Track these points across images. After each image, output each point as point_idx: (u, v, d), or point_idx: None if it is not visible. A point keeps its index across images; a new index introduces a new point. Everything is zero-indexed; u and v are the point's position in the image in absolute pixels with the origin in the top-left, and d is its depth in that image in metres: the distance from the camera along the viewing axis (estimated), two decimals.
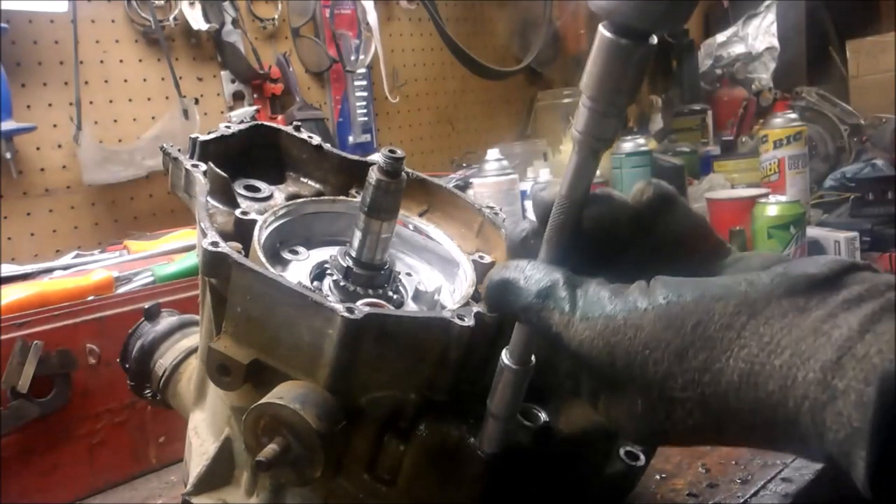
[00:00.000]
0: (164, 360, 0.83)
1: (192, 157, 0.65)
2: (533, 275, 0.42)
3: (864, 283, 0.36)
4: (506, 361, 0.48)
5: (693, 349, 0.36)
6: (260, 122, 0.71)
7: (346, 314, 0.48)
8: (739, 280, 0.38)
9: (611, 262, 0.45)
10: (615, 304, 0.39)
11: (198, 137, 0.66)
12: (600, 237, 0.45)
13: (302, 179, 0.71)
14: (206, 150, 0.66)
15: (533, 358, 0.48)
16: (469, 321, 0.50)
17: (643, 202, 0.46)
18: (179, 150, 0.67)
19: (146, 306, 0.88)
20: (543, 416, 0.54)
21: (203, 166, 0.63)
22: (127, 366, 0.87)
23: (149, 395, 0.85)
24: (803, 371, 0.33)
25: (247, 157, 0.69)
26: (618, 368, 0.39)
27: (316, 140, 0.71)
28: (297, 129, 0.71)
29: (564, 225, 0.43)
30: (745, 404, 0.35)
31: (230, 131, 0.68)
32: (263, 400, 0.49)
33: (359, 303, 0.57)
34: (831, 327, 0.34)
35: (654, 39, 0.38)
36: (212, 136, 0.66)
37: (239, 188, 0.66)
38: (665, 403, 0.38)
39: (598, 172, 1.59)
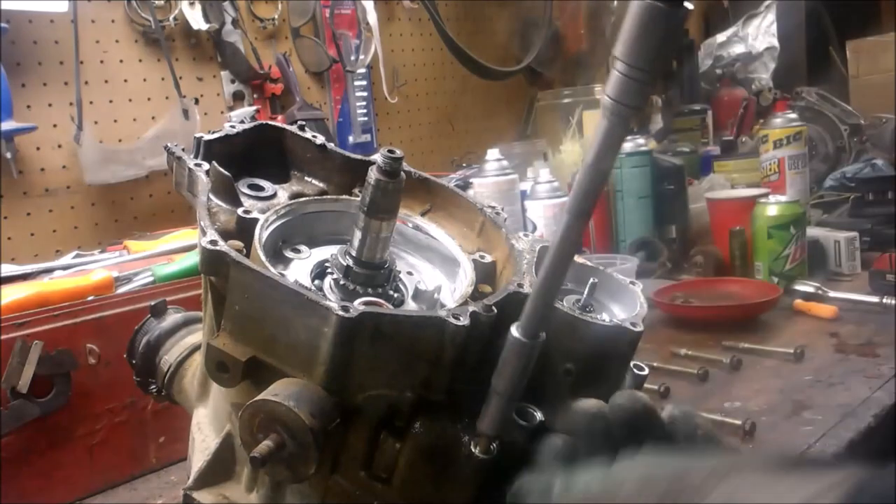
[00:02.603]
0: (169, 357, 0.83)
1: (196, 157, 0.65)
2: (538, 481, 0.47)
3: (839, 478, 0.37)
4: (515, 334, 0.48)
5: (668, 498, 0.39)
6: (264, 122, 0.71)
7: (341, 313, 0.48)
8: (712, 457, 0.42)
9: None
10: (601, 476, 0.43)
11: (202, 137, 0.66)
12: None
13: (306, 178, 0.71)
14: (210, 150, 0.66)
15: (543, 334, 0.48)
16: (464, 320, 0.50)
17: (671, 423, 0.50)
18: (183, 150, 0.68)
19: (153, 303, 0.89)
20: (539, 415, 0.54)
21: (206, 165, 0.64)
22: (133, 361, 0.87)
23: (154, 390, 0.85)
24: None
25: (251, 157, 0.69)
26: None
27: (320, 139, 0.71)
28: (302, 128, 0.71)
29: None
30: None
31: (234, 130, 0.68)
32: (259, 397, 0.49)
33: (357, 301, 0.57)
34: (791, 495, 0.36)
35: (690, 5, 0.39)
36: (216, 135, 0.66)
37: (242, 187, 0.66)
38: None
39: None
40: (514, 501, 0.48)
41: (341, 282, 0.59)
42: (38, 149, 1.69)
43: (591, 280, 0.67)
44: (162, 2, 1.87)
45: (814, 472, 0.37)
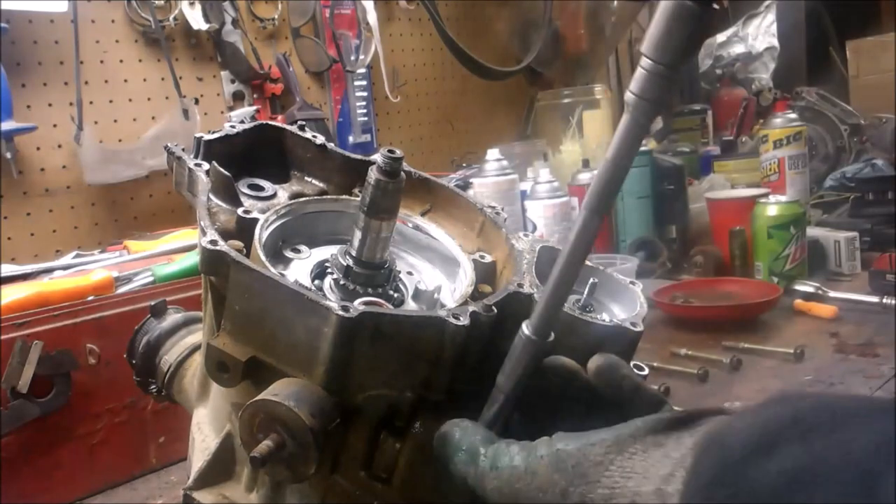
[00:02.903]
0: (169, 357, 0.83)
1: (196, 157, 0.65)
2: (464, 435, 0.49)
3: (713, 420, 0.43)
4: (525, 332, 0.48)
5: (573, 486, 0.43)
6: (265, 122, 0.71)
7: (341, 313, 0.48)
8: (615, 428, 0.45)
9: (552, 416, 0.51)
10: (521, 456, 0.46)
11: (202, 137, 0.66)
12: (550, 399, 0.52)
13: (306, 178, 0.71)
14: (210, 150, 0.66)
15: (552, 335, 0.48)
16: (464, 320, 0.50)
17: (594, 375, 0.52)
18: (183, 150, 0.67)
19: (153, 303, 0.89)
20: None
21: (206, 165, 0.64)
22: (133, 361, 0.87)
23: (154, 390, 0.85)
24: (646, 486, 0.40)
25: (251, 157, 0.69)
26: None
27: (320, 139, 0.71)
28: (302, 128, 0.71)
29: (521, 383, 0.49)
30: None
31: (235, 130, 0.68)
32: (259, 397, 0.49)
33: (357, 301, 0.57)
34: (675, 451, 0.41)
35: (717, 5, 0.39)
36: (216, 135, 0.66)
37: (243, 187, 0.65)
38: None
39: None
40: (440, 445, 0.50)
41: (341, 282, 0.59)
42: (38, 149, 1.69)
43: (591, 280, 0.67)
44: (162, 2, 1.87)
45: (694, 427, 0.42)
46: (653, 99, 0.41)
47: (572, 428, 0.47)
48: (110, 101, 1.83)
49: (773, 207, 1.69)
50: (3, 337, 0.99)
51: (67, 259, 1.42)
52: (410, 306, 0.62)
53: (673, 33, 0.40)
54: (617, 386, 0.51)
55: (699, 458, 0.39)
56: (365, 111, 2.38)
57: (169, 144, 0.69)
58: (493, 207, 0.71)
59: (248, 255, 0.56)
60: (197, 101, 1.92)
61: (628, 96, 0.42)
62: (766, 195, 1.77)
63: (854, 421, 0.35)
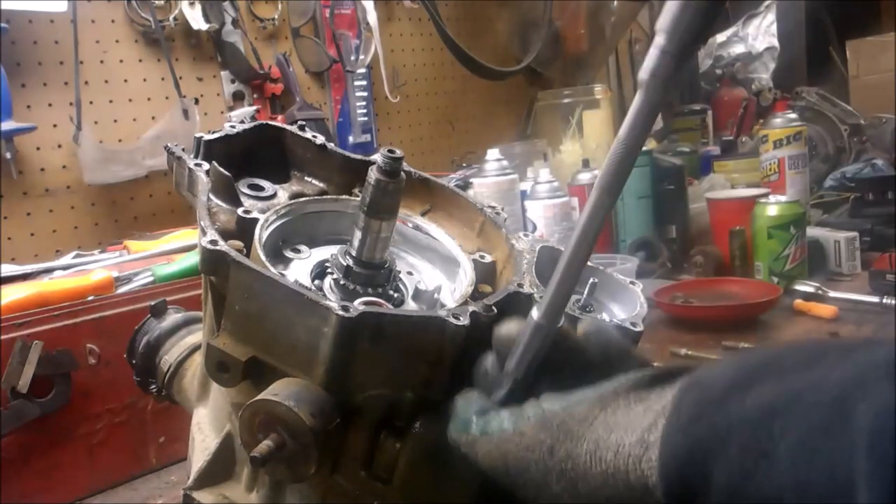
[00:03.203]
0: (169, 357, 0.83)
1: (196, 157, 0.65)
2: (464, 405, 0.50)
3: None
4: (534, 317, 0.48)
5: (559, 443, 0.44)
6: (265, 122, 0.71)
7: (341, 312, 0.48)
8: (600, 385, 0.46)
9: (540, 380, 0.51)
10: (509, 419, 0.47)
11: (202, 136, 0.66)
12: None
13: (306, 178, 0.71)
14: (210, 150, 0.66)
15: (562, 320, 0.48)
16: (464, 320, 0.50)
17: (583, 338, 0.52)
18: (183, 150, 0.68)
19: (153, 303, 0.89)
20: None
21: (206, 165, 0.64)
22: (133, 361, 0.87)
23: (154, 390, 0.85)
24: (629, 437, 0.42)
25: (251, 157, 0.69)
26: (511, 473, 0.46)
27: (320, 139, 0.71)
28: (302, 128, 0.71)
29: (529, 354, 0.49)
30: (596, 479, 0.42)
31: (235, 130, 0.68)
32: (259, 397, 0.49)
33: (357, 301, 0.57)
34: (656, 403, 0.42)
35: None
36: (216, 135, 0.66)
37: (243, 187, 0.66)
38: (554, 498, 0.44)
39: (598, 172, 1.59)
40: (450, 419, 0.50)
41: (341, 282, 0.59)
42: (38, 149, 1.69)
43: (591, 280, 0.67)
44: (162, 2, 1.87)
45: (675, 381, 0.43)
46: (665, 78, 0.41)
47: (561, 391, 0.47)
48: (110, 101, 1.83)
49: (773, 207, 1.69)
50: (3, 337, 0.99)
51: (67, 259, 1.42)
52: (410, 306, 0.62)
53: (688, 12, 0.40)
54: (605, 348, 0.51)
55: (679, 400, 0.40)
56: (365, 111, 2.38)
57: (169, 144, 0.69)
58: (493, 207, 0.71)
59: (248, 255, 0.56)
60: (197, 101, 1.92)
61: (641, 76, 0.42)
62: (766, 195, 1.77)
63: (827, 358, 0.37)
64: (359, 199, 0.60)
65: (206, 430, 0.69)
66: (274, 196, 0.67)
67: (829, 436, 0.33)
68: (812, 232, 1.83)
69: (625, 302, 0.68)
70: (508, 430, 0.47)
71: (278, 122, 0.72)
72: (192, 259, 1.28)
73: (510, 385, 0.50)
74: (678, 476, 0.39)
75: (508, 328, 0.51)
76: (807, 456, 0.34)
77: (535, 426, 0.46)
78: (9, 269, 1.30)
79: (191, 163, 0.64)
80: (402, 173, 0.58)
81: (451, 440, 0.50)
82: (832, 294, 1.60)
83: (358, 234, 0.59)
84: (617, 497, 0.41)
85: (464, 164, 2.25)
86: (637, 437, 0.41)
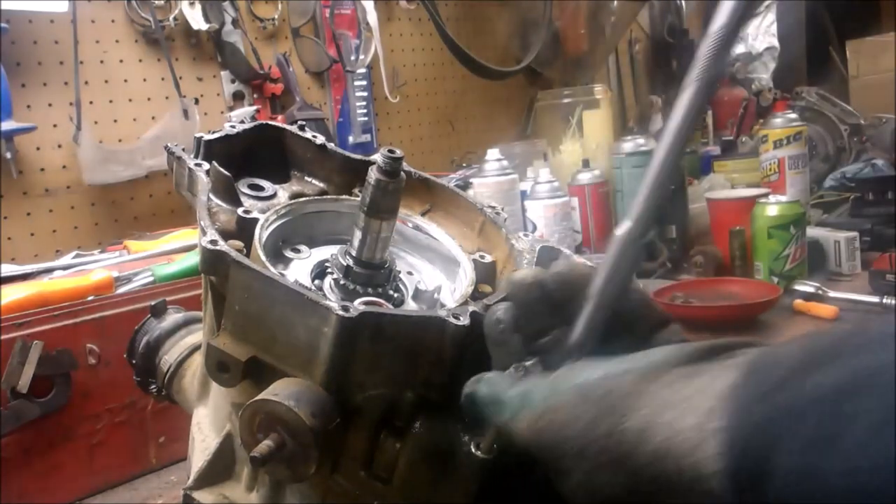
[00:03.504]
0: (169, 357, 0.83)
1: (196, 157, 0.65)
2: (489, 386, 0.48)
3: (749, 352, 0.41)
4: (622, 231, 0.46)
5: (600, 417, 0.41)
6: (265, 122, 0.71)
7: (341, 312, 0.48)
8: (643, 355, 0.43)
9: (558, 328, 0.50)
10: (543, 391, 0.45)
11: (202, 136, 0.66)
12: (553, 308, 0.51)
13: (306, 178, 0.71)
14: (210, 150, 0.66)
15: (651, 234, 0.48)
16: (464, 320, 0.50)
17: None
18: (184, 150, 0.68)
19: (153, 303, 0.89)
20: None
21: (206, 165, 0.64)
22: (133, 361, 0.87)
23: (154, 390, 0.85)
24: (685, 419, 0.38)
25: (251, 156, 0.69)
26: (547, 448, 0.43)
27: (320, 139, 0.71)
28: (302, 128, 0.71)
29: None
30: (643, 458, 0.39)
31: (235, 130, 0.68)
32: (259, 396, 0.49)
33: (357, 301, 0.57)
34: (713, 384, 0.39)
35: None
36: (216, 135, 0.67)
37: (243, 187, 0.66)
38: (591, 473, 0.41)
39: (598, 172, 1.58)
40: (468, 406, 0.49)
41: (341, 282, 0.59)
42: (38, 149, 1.69)
43: None
44: (162, 2, 1.87)
45: (729, 357, 0.41)
46: (718, 70, 0.43)
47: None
48: (110, 101, 1.83)
49: (773, 207, 1.69)
50: (3, 337, 0.99)
51: (67, 259, 1.42)
52: (410, 306, 0.62)
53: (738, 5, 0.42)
54: (625, 298, 0.49)
55: (745, 379, 0.37)
56: (365, 111, 2.38)
57: (169, 144, 0.69)
58: (493, 207, 0.71)
59: (248, 255, 0.56)
60: (197, 101, 1.92)
61: (690, 77, 0.43)
62: (766, 195, 1.77)
63: (891, 340, 0.34)
64: (359, 199, 0.61)
65: (206, 430, 0.69)
66: (274, 196, 0.67)
67: None
68: (812, 232, 1.83)
69: None
70: (542, 405, 0.44)
71: (278, 122, 0.72)
72: (192, 259, 1.28)
73: (591, 310, 0.47)
74: (743, 462, 0.36)
75: (523, 273, 0.49)
76: (884, 439, 0.31)
77: (574, 398, 0.43)
78: (9, 269, 1.30)
79: (191, 163, 0.64)
80: (402, 173, 0.58)
81: (490, 426, 0.48)
82: (832, 294, 1.60)
83: (358, 234, 0.59)
84: (663, 479, 0.38)
85: (464, 164, 2.25)
86: (694, 421, 0.38)
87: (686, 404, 0.39)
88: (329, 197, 0.69)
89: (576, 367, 0.45)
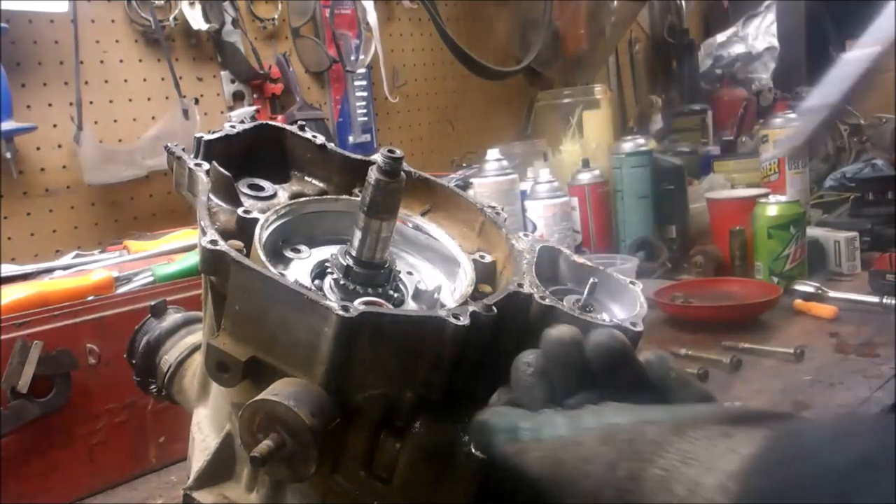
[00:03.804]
0: (169, 356, 0.83)
1: (196, 157, 0.65)
2: (502, 417, 0.49)
3: (779, 425, 0.41)
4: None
5: (623, 460, 0.41)
6: (265, 122, 0.71)
7: (341, 312, 0.48)
8: (673, 408, 0.44)
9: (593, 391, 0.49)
10: (567, 425, 0.45)
11: (202, 136, 0.66)
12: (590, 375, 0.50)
13: (306, 178, 0.71)
14: (210, 150, 0.66)
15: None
16: (464, 320, 0.50)
17: (647, 365, 0.51)
18: (184, 150, 0.68)
19: (153, 303, 0.89)
20: None
21: (206, 165, 0.64)
22: (133, 361, 0.87)
23: (154, 390, 0.85)
24: (709, 478, 0.38)
25: (251, 157, 0.69)
26: (562, 480, 0.43)
27: (320, 139, 0.71)
28: (302, 128, 0.71)
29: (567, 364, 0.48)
30: None
31: (235, 130, 0.68)
32: (259, 396, 0.49)
33: (357, 301, 0.57)
34: (744, 447, 0.38)
35: None
36: (216, 135, 0.67)
37: (243, 187, 0.66)
38: None
39: (598, 172, 1.59)
40: (478, 434, 0.49)
41: (341, 282, 0.59)
42: (38, 149, 1.69)
43: (591, 280, 0.67)
44: (162, 2, 1.87)
45: (762, 424, 0.40)
46: None
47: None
48: (110, 101, 1.82)
49: (773, 207, 1.69)
50: (3, 337, 0.99)
51: (67, 259, 1.42)
52: (410, 306, 0.62)
53: None
54: (664, 378, 0.49)
55: (772, 442, 0.37)
56: (365, 111, 2.38)
57: (169, 144, 0.69)
58: (493, 207, 0.71)
59: (248, 255, 0.56)
60: (197, 101, 1.92)
61: None
62: (766, 195, 1.77)
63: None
64: (359, 199, 0.61)
65: (206, 430, 0.69)
66: (274, 196, 0.67)
67: None
68: (812, 232, 1.83)
69: (625, 302, 0.68)
70: (566, 436, 0.44)
71: (278, 122, 0.72)
72: (192, 259, 1.28)
73: (817, 119, 0.46)
74: None
75: (560, 331, 0.49)
76: None
77: (597, 437, 0.43)
78: (9, 269, 1.30)
79: (191, 163, 0.64)
80: (402, 173, 0.58)
81: (498, 455, 0.48)
82: (832, 294, 1.60)
83: (358, 234, 0.59)
84: None
85: (464, 164, 2.24)
86: (718, 480, 0.38)
87: (711, 463, 0.38)
88: (329, 197, 0.69)
89: (601, 408, 0.45)
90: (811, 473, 0.35)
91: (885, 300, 1.50)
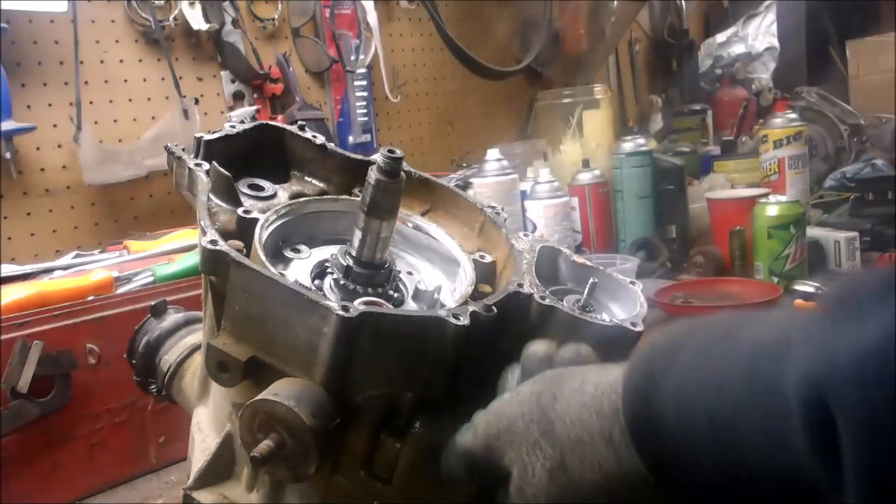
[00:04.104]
0: (169, 357, 0.83)
1: (196, 157, 0.65)
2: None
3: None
4: None
5: (548, 389, 0.48)
6: (265, 122, 0.71)
7: (341, 312, 0.48)
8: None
9: None
10: (511, 392, 0.51)
11: (202, 136, 0.66)
12: None
13: (306, 178, 0.71)
14: (210, 150, 0.66)
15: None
16: (464, 320, 0.50)
17: None
18: (184, 150, 0.68)
19: (153, 303, 0.89)
20: None
21: (206, 165, 0.64)
22: (133, 361, 0.87)
23: (154, 390, 0.85)
24: (608, 377, 0.47)
25: (251, 157, 0.69)
26: (501, 435, 0.49)
27: (320, 139, 0.71)
28: (302, 128, 0.71)
29: None
30: (573, 412, 0.46)
31: (235, 130, 0.68)
32: (259, 396, 0.49)
33: (357, 301, 0.57)
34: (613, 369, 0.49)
35: None
36: (216, 135, 0.67)
37: (243, 187, 0.66)
38: (529, 455, 0.47)
39: (598, 172, 1.58)
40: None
41: (341, 282, 0.59)
42: (38, 149, 1.69)
43: (591, 280, 0.67)
44: (162, 2, 1.87)
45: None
46: None
47: None
48: (110, 101, 1.82)
49: (773, 207, 1.69)
50: (3, 337, 0.99)
51: (67, 259, 1.42)
52: (410, 306, 0.62)
53: None
54: None
55: (638, 353, 0.47)
56: (365, 111, 2.38)
57: (169, 144, 0.69)
58: (493, 207, 0.71)
59: (248, 255, 0.56)
60: (197, 101, 1.92)
61: None
62: (766, 195, 1.77)
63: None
64: (359, 199, 0.61)
65: (206, 430, 0.69)
66: (274, 196, 0.67)
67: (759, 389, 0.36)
68: (812, 232, 1.83)
69: (625, 302, 0.68)
70: (506, 397, 0.50)
71: (278, 122, 0.72)
72: (192, 259, 1.28)
73: None
74: (634, 391, 0.43)
75: (538, 347, 0.53)
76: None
77: (531, 384, 0.50)
78: (9, 269, 1.30)
79: (191, 163, 0.64)
80: (402, 173, 0.58)
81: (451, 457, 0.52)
82: None
83: (358, 234, 0.59)
84: (588, 425, 0.44)
85: (464, 164, 2.25)
86: (613, 377, 0.45)
87: (611, 372, 0.46)
88: (329, 197, 0.69)
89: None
90: (666, 356, 0.43)
91: None
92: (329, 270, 0.61)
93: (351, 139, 2.32)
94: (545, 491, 0.45)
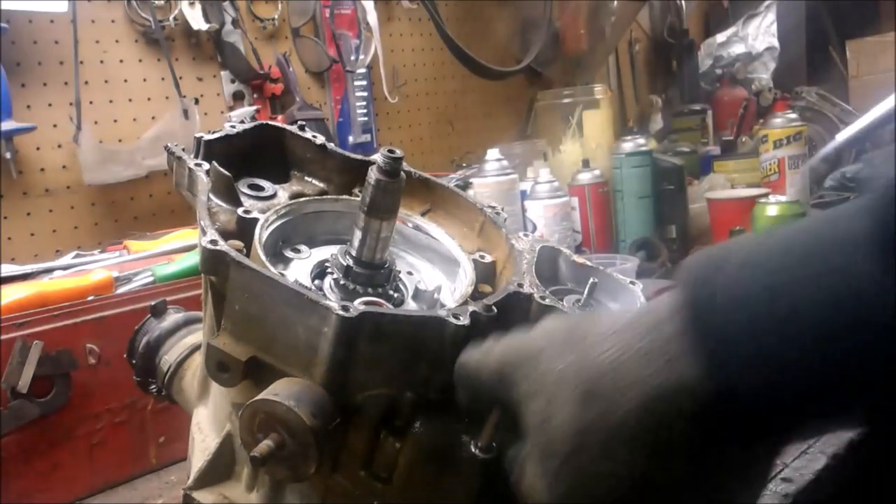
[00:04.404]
0: (169, 357, 0.83)
1: (196, 156, 0.65)
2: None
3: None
4: None
5: (566, 341, 0.45)
6: (265, 122, 0.71)
7: (341, 312, 0.48)
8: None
9: None
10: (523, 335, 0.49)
11: (202, 136, 0.66)
12: None
13: (306, 178, 0.71)
14: (210, 150, 0.66)
15: None
16: (464, 320, 0.51)
17: None
18: (184, 150, 0.68)
19: (153, 303, 0.89)
20: None
21: (206, 165, 0.64)
22: (133, 361, 0.87)
23: (154, 390, 0.85)
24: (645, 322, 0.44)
25: (251, 157, 0.69)
26: (516, 370, 0.46)
27: (320, 139, 0.71)
28: (302, 128, 0.71)
29: None
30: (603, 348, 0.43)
31: (235, 130, 0.68)
32: (259, 396, 0.49)
33: (357, 301, 0.57)
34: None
35: None
36: (216, 135, 0.67)
37: (243, 187, 0.66)
38: (553, 383, 0.44)
39: (598, 172, 1.58)
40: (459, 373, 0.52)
41: (341, 281, 0.59)
42: (37, 149, 1.69)
43: (591, 280, 0.67)
44: (162, 2, 1.87)
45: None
46: None
47: None
48: (110, 101, 1.83)
49: (773, 207, 1.69)
50: (3, 337, 0.99)
51: (67, 259, 1.42)
52: (410, 306, 0.62)
53: None
54: None
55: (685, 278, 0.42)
56: (365, 111, 2.38)
57: (169, 144, 0.69)
58: (493, 207, 0.71)
59: (248, 255, 0.56)
60: (197, 101, 1.92)
61: None
62: (766, 195, 1.77)
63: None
64: (359, 199, 0.61)
65: (205, 430, 0.69)
66: (274, 196, 0.67)
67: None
68: None
69: (625, 302, 0.68)
70: (535, 330, 0.48)
71: (278, 122, 0.72)
72: (192, 259, 1.28)
73: None
74: (699, 278, 0.40)
75: (469, 355, 0.51)
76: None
77: (562, 318, 0.48)
78: (9, 269, 1.30)
79: (191, 163, 0.64)
80: (402, 173, 0.58)
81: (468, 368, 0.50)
82: None
83: (358, 234, 0.59)
84: (634, 340, 0.41)
85: (464, 164, 2.24)
86: (654, 301, 0.43)
87: (641, 318, 0.42)
88: (329, 197, 0.69)
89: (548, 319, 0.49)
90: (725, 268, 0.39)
91: None
92: (329, 270, 0.61)
93: (351, 139, 2.32)
94: (577, 416, 0.41)
